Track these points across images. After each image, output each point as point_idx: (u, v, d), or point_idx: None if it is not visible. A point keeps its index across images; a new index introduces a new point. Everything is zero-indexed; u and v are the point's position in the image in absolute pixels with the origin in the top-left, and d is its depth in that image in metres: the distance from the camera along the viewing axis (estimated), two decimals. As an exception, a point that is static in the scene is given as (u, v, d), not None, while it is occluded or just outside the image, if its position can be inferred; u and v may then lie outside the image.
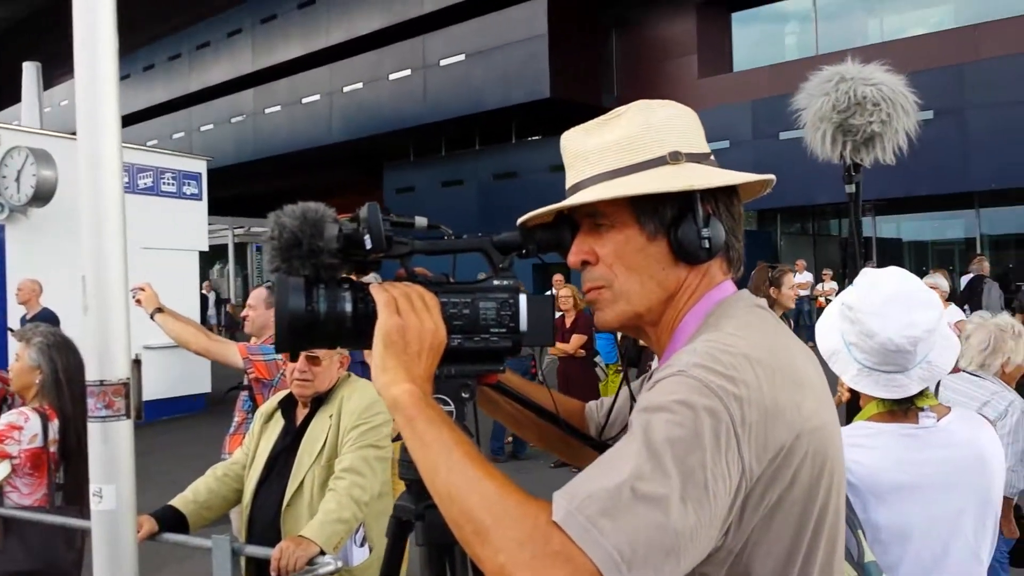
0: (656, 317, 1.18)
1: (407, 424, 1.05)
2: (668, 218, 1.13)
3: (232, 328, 22.60)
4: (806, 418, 1.01)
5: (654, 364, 1.28)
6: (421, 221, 1.22)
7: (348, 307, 1.15)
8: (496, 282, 1.20)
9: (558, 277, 10.96)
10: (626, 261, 1.15)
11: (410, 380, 1.08)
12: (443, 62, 24.30)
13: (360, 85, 26.59)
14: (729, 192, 1.18)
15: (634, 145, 1.15)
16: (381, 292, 1.14)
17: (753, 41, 22.64)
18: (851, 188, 4.19)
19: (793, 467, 0.99)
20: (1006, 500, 3.17)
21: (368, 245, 1.13)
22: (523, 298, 1.18)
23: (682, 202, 1.13)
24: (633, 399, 1.32)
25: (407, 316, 1.11)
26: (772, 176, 1.19)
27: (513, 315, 1.17)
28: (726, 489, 0.93)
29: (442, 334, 1.13)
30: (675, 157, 1.14)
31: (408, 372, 1.09)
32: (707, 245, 1.12)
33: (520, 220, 1.25)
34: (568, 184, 1.21)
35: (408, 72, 25.17)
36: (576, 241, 1.19)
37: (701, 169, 1.16)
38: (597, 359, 10.01)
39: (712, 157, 1.20)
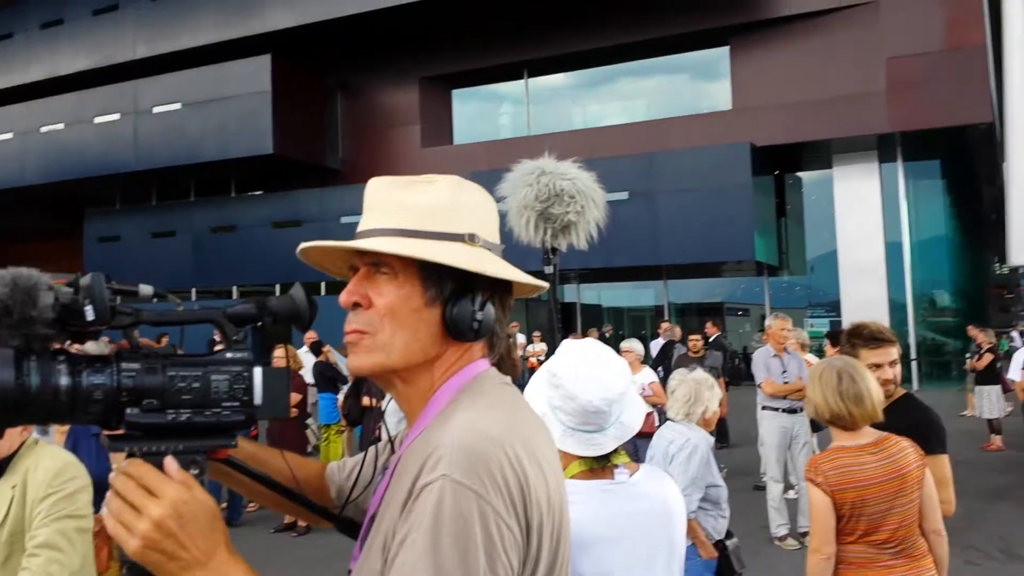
0: (410, 377, 1.21)
1: None
2: (448, 292, 1.18)
3: None
4: (551, 491, 1.09)
5: (386, 423, 1.33)
6: (146, 289, 1.16)
7: (63, 380, 1.06)
8: (229, 355, 1.16)
9: (311, 335, 10.81)
10: (399, 317, 1.17)
11: None
12: (156, 109, 23.04)
13: (61, 126, 24.44)
14: (507, 285, 1.25)
15: (439, 214, 1.20)
16: (127, 541, 1.03)
17: (472, 117, 23.85)
18: (550, 269, 4.61)
19: (543, 540, 1.07)
20: (692, 523, 3.73)
21: (90, 316, 1.07)
22: (258, 371, 1.16)
23: (465, 281, 1.18)
24: (392, 446, 1.36)
25: (140, 527, 1.02)
26: (547, 284, 1.31)
27: (247, 388, 1.14)
28: None
29: (173, 502, 1.03)
30: (472, 239, 1.20)
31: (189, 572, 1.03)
32: (476, 327, 1.18)
33: (302, 247, 1.25)
34: (362, 227, 1.22)
35: (117, 116, 23.56)
36: (353, 282, 1.21)
37: (493, 258, 1.23)
38: (308, 420, 9.85)
39: (503, 249, 1.28)
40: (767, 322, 7.79)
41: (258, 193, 24.77)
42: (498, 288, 1.23)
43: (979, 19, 16.13)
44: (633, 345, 8.20)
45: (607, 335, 18.63)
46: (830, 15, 18.23)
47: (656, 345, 13.37)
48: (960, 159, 20.01)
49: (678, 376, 4.31)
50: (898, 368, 3.41)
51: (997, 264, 24.54)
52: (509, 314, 1.28)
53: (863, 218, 18.80)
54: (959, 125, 16.77)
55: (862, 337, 3.43)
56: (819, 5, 18.25)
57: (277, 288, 22.02)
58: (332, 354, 10.14)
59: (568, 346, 2.19)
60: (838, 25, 18.10)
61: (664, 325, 13.22)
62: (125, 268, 23.14)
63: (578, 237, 4.53)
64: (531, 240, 4.54)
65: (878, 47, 17.42)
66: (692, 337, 10.48)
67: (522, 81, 22.62)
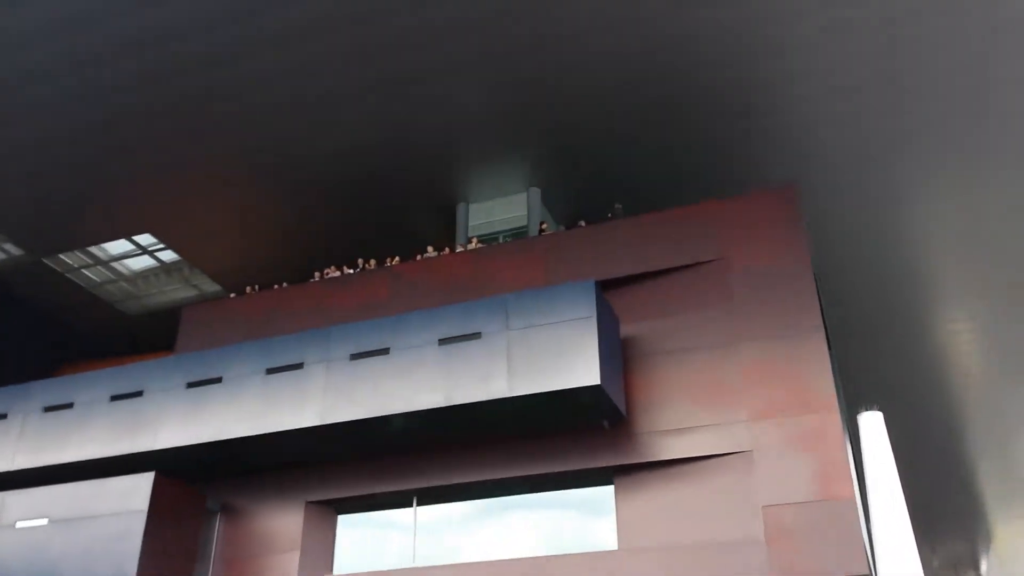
0: None
1: None
2: None
3: None
4: None
5: None
6: None
7: None
8: None
9: None
10: None
11: None
12: (20, 524, 21.64)
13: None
14: None
15: None
16: None
17: (356, 544, 22.90)
18: None
19: None
20: None
21: None
22: None
23: None
24: None
25: None
26: None
27: None
28: None
29: None
30: None
31: None
32: None
33: None
34: None
35: (-25, 531, 22.00)
36: None
37: None
38: None
39: None
40: None
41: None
42: None
43: (846, 472, 16.85)
44: None
45: None
46: (708, 460, 18.76)
47: None
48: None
49: None
50: None
51: None
52: None
53: None
54: (839, 577, 16.54)
55: None
56: (697, 451, 18.80)
57: None
58: None
59: None
60: (716, 471, 18.55)
61: None
62: None
63: None
64: None
65: (754, 495, 17.74)
66: None
67: (411, 509, 22.17)
